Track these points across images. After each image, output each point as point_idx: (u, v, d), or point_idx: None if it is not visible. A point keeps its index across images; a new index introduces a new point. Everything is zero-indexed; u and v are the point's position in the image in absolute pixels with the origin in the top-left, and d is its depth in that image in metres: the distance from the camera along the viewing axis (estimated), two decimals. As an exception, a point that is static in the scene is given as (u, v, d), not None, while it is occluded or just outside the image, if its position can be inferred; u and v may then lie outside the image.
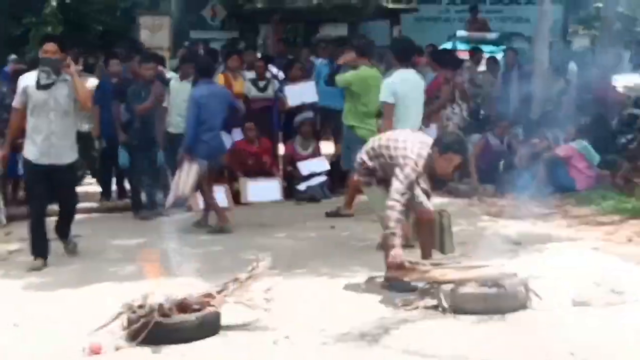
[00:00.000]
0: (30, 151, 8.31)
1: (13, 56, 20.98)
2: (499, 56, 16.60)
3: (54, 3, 25.48)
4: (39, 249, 8.36)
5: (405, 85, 9.13)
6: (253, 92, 12.86)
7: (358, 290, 7.24)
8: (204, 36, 24.33)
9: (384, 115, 9.23)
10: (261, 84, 12.97)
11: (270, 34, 23.91)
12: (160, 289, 6.13)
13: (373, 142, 7.44)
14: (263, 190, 12.14)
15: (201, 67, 10.87)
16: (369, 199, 7.62)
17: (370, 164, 7.35)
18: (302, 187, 12.19)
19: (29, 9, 25.90)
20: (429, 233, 7.50)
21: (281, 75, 13.76)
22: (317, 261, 8.53)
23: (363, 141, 9.99)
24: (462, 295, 6.50)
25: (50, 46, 8.25)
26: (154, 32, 22.30)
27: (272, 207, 11.70)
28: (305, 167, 12.33)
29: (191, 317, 6.05)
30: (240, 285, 6.36)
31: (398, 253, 6.84)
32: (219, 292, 6.29)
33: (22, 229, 10.25)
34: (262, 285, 6.49)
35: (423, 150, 7.07)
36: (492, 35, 19.62)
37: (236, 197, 11.94)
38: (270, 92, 12.97)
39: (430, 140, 7.22)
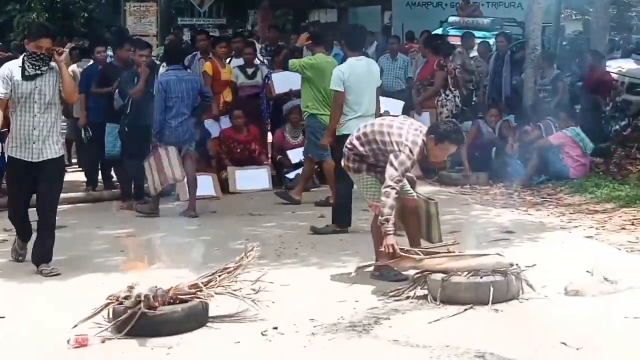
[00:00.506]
0: (11, 147, 7.82)
1: None
2: (491, 42, 16.59)
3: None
4: (27, 234, 8.25)
5: (355, 73, 9.20)
6: (241, 79, 12.84)
7: (348, 280, 7.23)
8: (191, 23, 24.31)
9: (333, 103, 9.37)
10: (249, 70, 12.96)
11: (259, 21, 23.91)
12: (147, 280, 6.12)
13: (365, 127, 7.38)
14: (251, 178, 12.12)
15: (169, 53, 11.22)
16: (357, 187, 7.58)
17: (361, 149, 7.31)
18: (291, 175, 12.19)
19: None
20: (415, 221, 7.50)
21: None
22: (306, 250, 8.54)
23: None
24: (452, 284, 6.51)
25: (46, 42, 7.65)
26: (140, 19, 22.25)
27: (260, 196, 11.70)
28: (294, 155, 12.32)
29: (178, 308, 6.04)
30: (228, 275, 6.36)
31: (391, 242, 6.84)
32: (206, 283, 6.28)
33: (5, 219, 10.25)
34: (250, 275, 6.49)
35: (418, 137, 7.05)
36: (484, 21, 19.57)
37: (224, 186, 11.93)
38: (258, 79, 12.96)
39: (424, 128, 7.21)
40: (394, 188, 6.90)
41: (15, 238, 8.30)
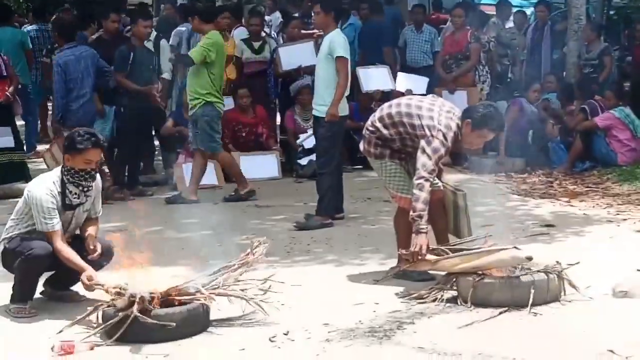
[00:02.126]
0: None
1: None
2: (529, 11, 16.54)
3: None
4: None
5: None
6: (247, 54, 12.82)
7: (368, 280, 7.23)
8: (190, -9, 24.26)
9: (343, 71, 9.40)
10: (256, 44, 12.93)
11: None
12: (141, 280, 6.12)
13: (390, 107, 7.27)
14: (258, 165, 12.12)
15: (62, 30, 11.45)
16: (379, 175, 7.47)
17: (385, 132, 7.20)
18: (303, 161, 12.18)
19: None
20: (442, 214, 7.43)
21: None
22: (320, 247, 8.54)
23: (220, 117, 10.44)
24: (485, 285, 6.49)
25: (96, 154, 6.71)
26: (133, -14, 22.20)
27: (268, 184, 11.70)
28: (307, 139, 12.30)
29: (176, 310, 6.04)
30: (231, 274, 6.35)
31: (423, 241, 6.80)
32: (207, 283, 6.28)
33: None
34: (257, 274, 6.49)
35: (451, 121, 6.97)
36: (521, -13, 19.53)
37: (228, 173, 11.92)
38: (266, 53, 12.93)
39: (456, 110, 7.15)
40: (427, 180, 6.83)
41: None
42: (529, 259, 6.48)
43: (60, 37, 11.38)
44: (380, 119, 7.25)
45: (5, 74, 11.90)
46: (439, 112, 7.00)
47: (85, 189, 6.72)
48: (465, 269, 6.60)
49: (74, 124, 10.46)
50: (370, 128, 7.32)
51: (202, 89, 10.55)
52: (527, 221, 9.24)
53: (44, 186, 6.61)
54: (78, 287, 6.88)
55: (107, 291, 6.18)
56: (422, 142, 6.90)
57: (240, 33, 13.36)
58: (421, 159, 6.86)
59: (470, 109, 7.27)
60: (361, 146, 7.53)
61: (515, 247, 6.56)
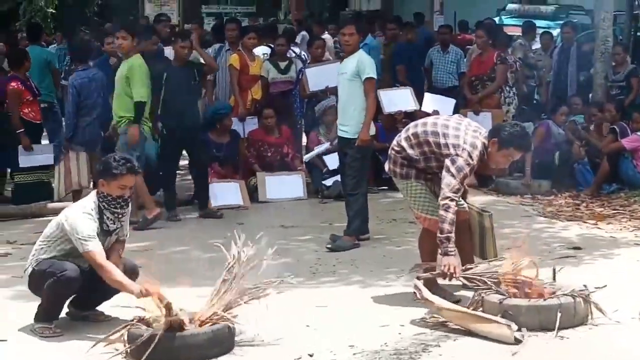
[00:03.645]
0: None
1: None
2: (555, 32, 16.50)
3: (48, -28, 25.56)
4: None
5: None
6: (273, 73, 12.84)
7: (393, 302, 7.20)
8: (217, 11, 24.43)
9: (372, 93, 9.51)
10: (282, 64, 12.94)
11: (292, 9, 23.98)
12: (167, 300, 6.11)
13: (415, 127, 7.24)
14: (284, 186, 12.10)
15: (76, 52, 11.95)
16: (404, 195, 7.44)
17: (411, 152, 7.17)
18: (329, 182, 12.16)
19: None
20: (467, 236, 7.38)
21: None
22: (346, 268, 8.51)
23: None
24: (511, 307, 6.44)
25: (131, 180, 6.74)
26: (160, 6, 22.38)
27: (294, 205, 11.69)
28: (331, 160, 12.27)
29: (202, 331, 6.03)
30: (254, 293, 6.32)
31: (452, 262, 6.75)
32: (227, 306, 6.23)
33: (9, 231, 10.36)
34: (283, 295, 6.46)
35: (477, 140, 6.95)
36: (547, 9, 19.52)
37: (253, 194, 11.92)
38: (292, 73, 12.94)
39: (482, 129, 7.12)
40: (453, 200, 6.80)
41: None
42: (518, 342, 6.18)
43: (75, 59, 11.56)
44: (406, 139, 7.23)
45: (37, 93, 12.01)
46: (465, 131, 6.98)
47: (120, 216, 6.73)
48: (461, 324, 6.50)
49: (81, 143, 11.09)
50: (396, 148, 7.30)
51: (127, 111, 10.60)
52: (554, 243, 9.19)
53: (83, 212, 6.60)
54: (102, 307, 6.90)
55: (160, 301, 6.11)
56: (447, 161, 6.88)
57: (262, 50, 13.41)
58: (446, 177, 6.84)
59: (497, 128, 7.24)
60: (386, 166, 7.51)
61: (509, 326, 6.25)
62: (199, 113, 11.64)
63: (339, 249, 9.18)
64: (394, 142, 7.38)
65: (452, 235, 6.77)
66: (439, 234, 6.82)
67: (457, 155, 6.85)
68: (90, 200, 6.71)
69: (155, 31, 12.85)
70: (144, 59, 10.98)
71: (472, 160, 6.87)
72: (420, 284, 6.76)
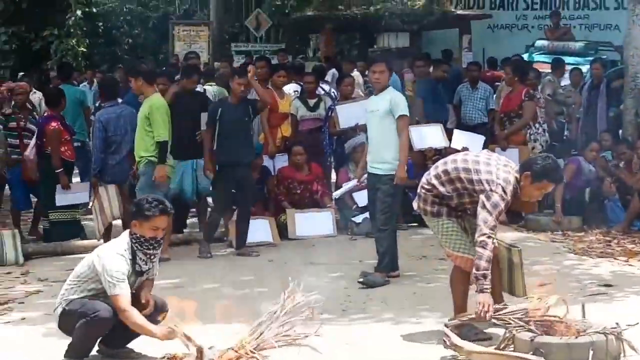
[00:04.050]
0: None
1: (21, 74, 21.42)
2: (585, 69, 16.48)
3: (78, 12, 25.78)
4: None
5: None
6: (302, 111, 12.89)
7: (424, 339, 7.18)
8: (246, 49, 24.55)
9: (405, 131, 9.63)
10: (311, 102, 13.00)
11: (321, 46, 24.05)
12: (201, 339, 6.12)
13: (445, 164, 7.23)
14: (314, 223, 12.11)
15: (105, 88, 12.13)
16: (436, 233, 7.40)
17: (442, 190, 7.16)
18: (358, 219, 12.16)
19: (49, 21, 26.23)
20: (496, 272, 7.29)
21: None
22: (377, 305, 8.50)
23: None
24: (543, 345, 6.40)
25: (164, 221, 6.77)
26: (190, 45, 22.54)
27: (323, 242, 11.69)
28: (360, 197, 12.28)
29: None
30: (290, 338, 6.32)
31: (487, 300, 6.70)
32: (259, 347, 6.22)
33: (41, 267, 10.44)
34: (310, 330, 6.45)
35: (509, 174, 6.93)
36: (576, 45, 19.49)
37: (283, 231, 11.94)
38: (321, 111, 12.99)
39: (512, 164, 7.12)
40: (490, 237, 6.76)
41: None
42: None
43: (103, 95, 11.71)
44: (437, 176, 7.21)
45: (73, 132, 12.15)
46: (497, 166, 6.97)
47: (152, 257, 6.76)
48: None
49: (109, 180, 11.18)
50: (426, 186, 7.28)
51: (146, 152, 10.71)
52: (585, 280, 9.14)
53: (116, 253, 6.63)
54: (132, 345, 6.92)
55: (188, 340, 6.14)
56: (482, 197, 6.86)
57: (292, 88, 13.49)
58: (481, 214, 6.81)
59: (528, 161, 7.22)
60: (415, 205, 7.47)
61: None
62: (254, 150, 11.68)
63: (371, 284, 9.17)
64: (423, 180, 7.36)
65: (489, 272, 6.74)
66: (475, 271, 6.79)
67: (491, 191, 6.83)
68: (123, 241, 6.73)
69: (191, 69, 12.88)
70: (184, 95, 11.32)
71: (507, 195, 6.85)
72: (448, 330, 6.73)
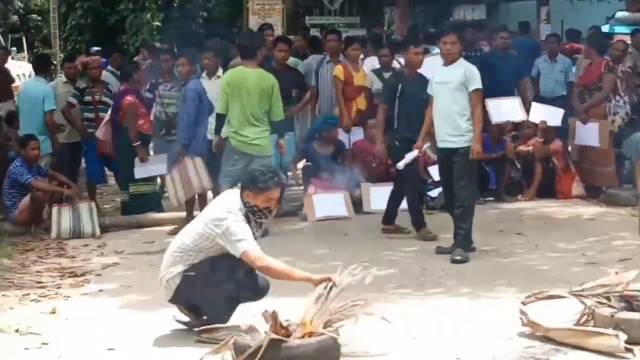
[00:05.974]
0: None
1: (95, 48, 21.56)
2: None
3: (153, -15, 25.94)
4: None
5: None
6: (377, 84, 12.82)
7: (501, 314, 7.11)
8: (320, 22, 24.52)
9: (480, 104, 9.66)
10: (386, 75, 12.92)
11: (396, 19, 23.88)
12: (271, 309, 6.13)
13: None
14: (387, 196, 12.05)
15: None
16: None
17: None
18: (433, 193, 12.09)
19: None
20: None
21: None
22: (453, 279, 8.46)
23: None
24: (622, 322, 6.27)
25: (277, 193, 6.77)
26: (264, 18, 22.53)
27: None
28: (436, 171, 12.18)
29: (308, 342, 5.99)
30: (357, 304, 6.30)
31: None
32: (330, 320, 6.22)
33: (116, 241, 10.57)
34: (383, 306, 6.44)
35: None
36: (657, 16, 19.09)
37: (357, 205, 11.91)
38: (397, 85, 12.89)
39: None
40: None
41: None
42: (629, 351, 6.11)
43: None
44: None
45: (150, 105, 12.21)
46: None
47: (261, 226, 6.83)
48: (571, 342, 6.35)
49: (196, 153, 11.02)
50: None
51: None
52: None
53: (236, 216, 6.61)
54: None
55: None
56: None
57: (371, 62, 13.44)
58: None
59: None
60: None
61: (617, 336, 6.17)
62: None
63: (465, 259, 9.11)
64: None
65: None
66: None
67: None
68: (236, 208, 6.69)
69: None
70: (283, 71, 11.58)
71: None
72: (524, 308, 6.67)
